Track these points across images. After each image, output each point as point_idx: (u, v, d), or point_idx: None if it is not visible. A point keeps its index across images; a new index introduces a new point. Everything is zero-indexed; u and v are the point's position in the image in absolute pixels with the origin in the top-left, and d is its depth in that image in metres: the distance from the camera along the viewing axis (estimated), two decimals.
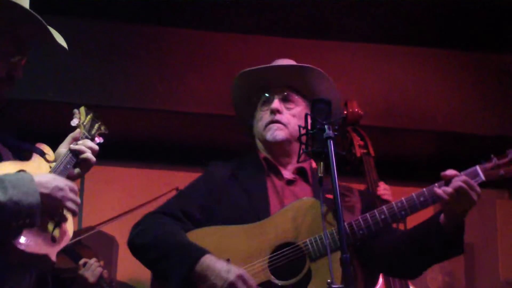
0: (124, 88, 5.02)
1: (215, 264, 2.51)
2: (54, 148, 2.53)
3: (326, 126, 2.40)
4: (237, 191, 2.75)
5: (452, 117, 5.23)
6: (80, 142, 2.50)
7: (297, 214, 2.59)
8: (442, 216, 2.54)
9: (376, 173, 3.91)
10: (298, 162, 2.63)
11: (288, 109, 2.83)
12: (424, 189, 2.55)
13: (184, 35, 5.17)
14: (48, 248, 2.25)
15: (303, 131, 2.47)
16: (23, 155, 2.44)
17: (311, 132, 2.44)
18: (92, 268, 3.85)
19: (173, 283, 2.53)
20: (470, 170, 2.54)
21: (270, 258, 2.57)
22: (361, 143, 4.06)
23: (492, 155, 2.56)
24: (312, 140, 2.44)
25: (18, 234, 2.16)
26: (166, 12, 5.01)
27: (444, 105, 5.24)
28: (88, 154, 2.46)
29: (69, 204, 2.22)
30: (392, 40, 5.22)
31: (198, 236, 2.65)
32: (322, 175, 2.41)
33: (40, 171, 2.36)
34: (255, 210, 2.67)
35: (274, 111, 2.79)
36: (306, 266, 2.53)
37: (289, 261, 2.55)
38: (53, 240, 2.27)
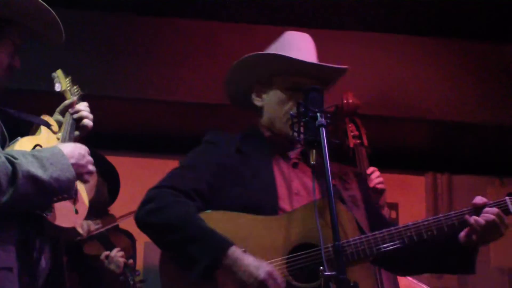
0: (117, 78, 5.02)
1: (243, 259, 2.39)
2: None
3: (318, 114, 2.41)
4: (245, 170, 2.64)
5: (446, 106, 5.24)
6: (71, 110, 2.57)
7: (320, 214, 2.42)
8: (462, 234, 2.55)
9: (368, 164, 3.92)
10: (288, 150, 2.67)
11: None
12: (452, 212, 2.56)
13: (178, 24, 5.17)
14: (74, 221, 2.36)
15: (295, 120, 2.47)
16: (32, 129, 2.51)
17: (303, 120, 2.44)
18: (115, 260, 3.86)
19: (197, 271, 2.40)
20: (499, 200, 2.56)
21: (289, 257, 2.47)
22: (356, 133, 4.06)
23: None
24: (304, 128, 2.43)
25: (51, 209, 2.25)
26: (159, 2, 5.00)
27: (439, 94, 5.25)
28: (87, 120, 2.59)
29: (91, 167, 2.32)
30: (387, 29, 5.23)
31: (212, 220, 2.50)
32: (314, 162, 2.41)
33: (50, 143, 2.43)
34: (266, 195, 2.58)
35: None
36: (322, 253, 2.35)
37: (309, 264, 2.45)
38: (76, 212, 2.38)
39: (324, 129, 2.38)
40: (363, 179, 2.87)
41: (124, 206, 4.60)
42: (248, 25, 5.16)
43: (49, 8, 2.41)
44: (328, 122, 2.40)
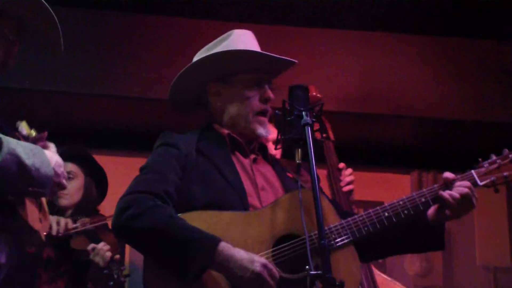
0: (102, 76, 4.99)
1: (235, 254, 2.35)
2: None
3: (304, 113, 2.41)
4: (208, 168, 2.60)
5: (430, 103, 5.25)
6: None
7: (298, 204, 2.44)
8: (430, 212, 2.61)
9: (336, 158, 3.88)
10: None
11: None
12: (424, 189, 2.62)
13: (163, 22, 5.14)
14: (39, 227, 2.31)
15: (280, 118, 2.47)
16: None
17: (288, 119, 2.43)
18: (101, 253, 3.83)
19: (189, 275, 2.34)
20: (466, 174, 2.64)
21: (273, 250, 2.46)
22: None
23: (480, 159, 2.67)
24: (289, 127, 2.44)
25: (23, 203, 2.21)
26: (147, 1, 4.98)
27: (422, 91, 5.25)
28: None
29: (64, 181, 2.31)
30: (370, 26, 5.23)
31: (192, 220, 2.43)
32: (300, 161, 2.41)
33: None
34: (233, 191, 2.55)
35: (268, 101, 2.72)
36: (314, 260, 2.36)
37: (295, 255, 2.46)
38: (40, 221, 2.33)
39: (309, 128, 2.38)
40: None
41: (114, 206, 4.58)
42: (234, 23, 5.13)
43: (45, 3, 2.38)
44: (313, 120, 2.41)
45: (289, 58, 2.79)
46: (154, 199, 2.46)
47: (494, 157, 2.65)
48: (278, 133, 2.51)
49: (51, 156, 2.27)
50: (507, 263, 5.66)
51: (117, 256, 3.88)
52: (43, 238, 2.33)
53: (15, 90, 4.83)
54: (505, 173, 2.63)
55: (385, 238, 2.66)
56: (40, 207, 2.34)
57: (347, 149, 4.92)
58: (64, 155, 4.04)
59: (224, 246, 2.36)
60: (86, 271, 3.87)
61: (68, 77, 4.92)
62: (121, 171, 5.51)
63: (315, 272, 2.19)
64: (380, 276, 3.88)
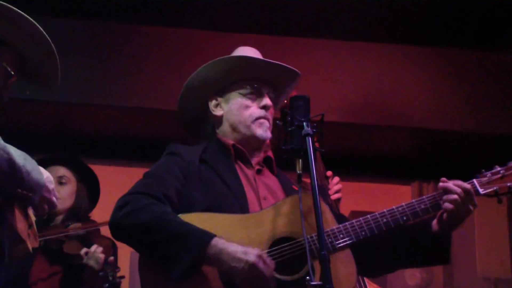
0: (101, 86, 5.00)
1: (228, 247, 2.37)
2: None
3: (304, 123, 2.41)
4: (211, 176, 2.65)
5: (429, 114, 5.26)
6: None
7: (295, 208, 2.49)
8: (434, 222, 2.59)
9: (323, 166, 3.87)
10: (250, 156, 2.71)
11: (273, 105, 2.81)
12: (424, 196, 2.60)
13: (161, 32, 5.16)
14: (27, 237, 2.28)
15: (281, 127, 2.48)
16: None
17: (289, 129, 2.44)
18: (94, 256, 3.81)
19: (179, 268, 2.36)
20: (468, 183, 2.59)
21: (269, 252, 2.48)
22: None
23: (483, 170, 2.64)
24: (290, 137, 2.44)
25: (12, 211, 2.19)
26: (142, 10, 4.99)
27: (421, 102, 5.26)
28: None
29: (54, 199, 2.30)
30: (369, 37, 5.24)
31: (191, 221, 2.47)
32: (300, 172, 2.42)
33: None
34: (234, 198, 2.59)
35: (267, 108, 2.74)
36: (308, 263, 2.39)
37: (290, 257, 2.48)
38: (28, 235, 2.31)
39: (310, 138, 2.38)
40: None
41: (108, 214, 4.57)
42: (231, 33, 5.15)
43: (46, 35, 2.37)
44: (314, 131, 2.40)
45: (279, 63, 2.81)
46: (151, 199, 2.51)
47: (497, 168, 2.62)
48: (278, 143, 2.52)
49: (43, 170, 2.26)
50: (507, 274, 5.64)
51: (111, 258, 3.86)
52: (30, 249, 2.30)
53: (15, 100, 4.82)
54: (509, 184, 2.59)
55: (391, 251, 2.66)
56: (28, 222, 2.32)
57: (347, 159, 4.94)
58: (57, 160, 4.07)
59: (218, 240, 2.38)
60: (80, 275, 3.85)
61: (67, 87, 4.91)
62: (119, 181, 5.51)
63: (316, 283, 2.19)
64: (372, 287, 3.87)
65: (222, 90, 2.82)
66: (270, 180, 2.75)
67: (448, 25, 5.07)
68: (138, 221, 2.45)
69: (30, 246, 2.30)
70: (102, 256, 3.81)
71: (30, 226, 2.32)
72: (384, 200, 5.64)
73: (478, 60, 5.36)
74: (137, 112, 5.11)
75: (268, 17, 5.04)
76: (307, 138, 2.38)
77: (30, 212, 2.34)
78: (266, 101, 2.75)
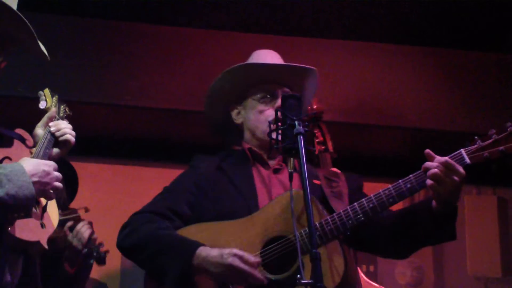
0: (94, 84, 4.98)
1: (209, 254, 2.49)
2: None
3: (296, 122, 2.43)
4: (225, 183, 2.74)
5: (423, 114, 5.26)
6: (53, 123, 2.50)
7: (287, 206, 2.55)
8: (433, 201, 2.54)
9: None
10: (268, 158, 2.76)
11: None
12: (411, 175, 2.57)
13: (155, 31, 5.14)
14: (40, 235, 2.31)
15: (273, 127, 2.49)
16: (3, 141, 2.45)
17: (281, 128, 2.46)
18: (78, 235, 3.78)
19: (170, 279, 2.51)
20: (455, 153, 2.50)
21: (261, 252, 2.55)
22: (321, 139, 4.04)
23: (475, 137, 2.50)
24: (282, 136, 2.45)
25: (13, 222, 2.20)
26: (136, 8, 4.97)
27: (416, 102, 5.26)
28: (69, 135, 2.52)
29: (57, 184, 2.27)
30: (364, 37, 5.24)
31: (189, 233, 2.63)
32: (292, 170, 2.44)
33: (22, 157, 2.36)
34: (244, 201, 2.66)
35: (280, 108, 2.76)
36: (296, 260, 2.43)
37: (281, 255, 2.53)
38: (42, 226, 2.33)
39: (302, 137, 2.39)
40: (355, 178, 2.94)
41: (101, 213, 4.57)
42: (225, 32, 5.15)
43: (23, 17, 2.36)
44: (306, 130, 2.42)
45: (277, 63, 2.89)
46: (153, 217, 2.69)
47: (491, 132, 2.46)
48: (270, 142, 2.53)
49: (35, 168, 2.22)
50: (498, 274, 5.66)
51: (95, 236, 3.86)
52: (45, 245, 2.34)
53: (6, 97, 4.82)
54: (501, 148, 2.41)
55: (395, 236, 2.67)
56: (41, 210, 2.33)
57: (340, 159, 4.93)
58: None
59: (202, 249, 2.51)
60: (61, 253, 3.82)
61: (59, 84, 4.90)
62: (111, 179, 5.52)
63: (306, 281, 2.20)
64: (368, 283, 3.89)
65: (240, 99, 2.92)
66: (287, 179, 2.69)
67: (443, 26, 5.07)
68: (133, 241, 2.67)
69: (44, 243, 2.32)
70: (88, 232, 3.79)
71: (43, 211, 2.32)
72: None
73: (472, 61, 5.36)
74: (133, 111, 5.10)
75: (265, 16, 5.04)
76: (298, 137, 2.40)
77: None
78: (279, 102, 2.74)
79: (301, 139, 2.39)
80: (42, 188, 2.22)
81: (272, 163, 2.83)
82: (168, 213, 2.70)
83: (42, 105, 2.62)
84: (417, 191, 2.55)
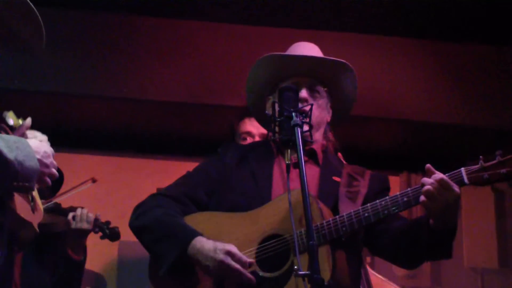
0: (91, 77, 4.98)
1: (203, 246, 2.51)
2: None
3: (293, 114, 2.43)
4: (245, 174, 2.74)
5: (418, 106, 5.26)
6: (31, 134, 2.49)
7: (288, 205, 2.49)
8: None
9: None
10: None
11: (313, 98, 2.81)
12: (409, 189, 2.56)
13: (152, 23, 5.13)
14: (32, 218, 2.30)
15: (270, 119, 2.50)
16: None
17: (278, 119, 2.46)
18: (83, 217, 3.77)
19: (165, 265, 2.54)
20: (454, 172, 2.49)
21: (258, 248, 2.56)
22: None
23: (480, 157, 2.48)
24: (279, 128, 2.45)
25: (12, 196, 2.19)
26: (134, 1, 4.97)
27: (410, 94, 5.26)
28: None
29: (54, 171, 2.27)
30: (359, 29, 5.24)
31: (195, 220, 2.66)
32: (289, 162, 2.44)
33: None
34: (258, 194, 2.67)
35: (302, 100, 2.73)
36: (290, 260, 2.50)
37: (276, 253, 2.54)
38: (33, 212, 2.32)
39: (299, 129, 2.39)
40: (380, 179, 2.87)
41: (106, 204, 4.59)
42: (223, 24, 5.14)
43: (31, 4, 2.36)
44: (303, 121, 2.41)
45: (296, 54, 2.87)
46: (166, 199, 2.71)
47: (497, 152, 2.45)
48: (268, 134, 2.54)
49: (37, 146, 2.22)
50: (494, 265, 5.68)
51: (99, 215, 3.86)
52: (37, 229, 2.33)
53: (3, 90, 4.81)
54: (503, 170, 2.41)
55: (400, 249, 2.65)
56: (30, 197, 2.32)
57: (338, 151, 4.91)
58: None
59: (198, 240, 2.53)
60: (63, 240, 3.82)
61: (57, 77, 4.90)
62: (110, 171, 5.52)
63: (303, 273, 2.21)
64: (375, 276, 3.89)
65: (273, 90, 2.87)
66: (309, 171, 2.65)
67: (444, 19, 5.07)
68: (141, 223, 2.71)
69: (36, 226, 2.31)
70: (92, 214, 3.79)
71: (32, 199, 2.31)
72: None
73: (471, 54, 5.35)
74: (128, 103, 5.09)
75: (265, 8, 5.02)
76: (296, 128, 2.39)
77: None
78: (301, 94, 2.74)
79: (298, 131, 2.38)
80: (42, 169, 2.20)
81: (294, 156, 2.77)
82: (184, 198, 2.73)
83: (10, 122, 2.58)
84: (413, 206, 2.55)
